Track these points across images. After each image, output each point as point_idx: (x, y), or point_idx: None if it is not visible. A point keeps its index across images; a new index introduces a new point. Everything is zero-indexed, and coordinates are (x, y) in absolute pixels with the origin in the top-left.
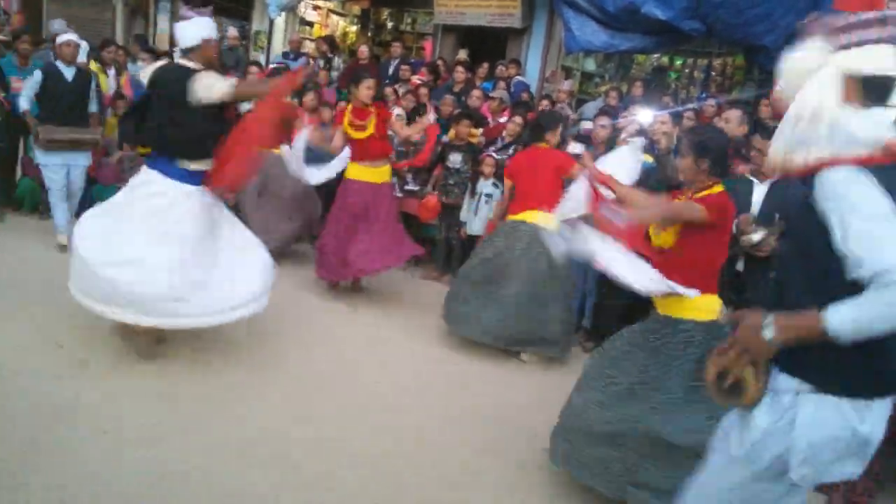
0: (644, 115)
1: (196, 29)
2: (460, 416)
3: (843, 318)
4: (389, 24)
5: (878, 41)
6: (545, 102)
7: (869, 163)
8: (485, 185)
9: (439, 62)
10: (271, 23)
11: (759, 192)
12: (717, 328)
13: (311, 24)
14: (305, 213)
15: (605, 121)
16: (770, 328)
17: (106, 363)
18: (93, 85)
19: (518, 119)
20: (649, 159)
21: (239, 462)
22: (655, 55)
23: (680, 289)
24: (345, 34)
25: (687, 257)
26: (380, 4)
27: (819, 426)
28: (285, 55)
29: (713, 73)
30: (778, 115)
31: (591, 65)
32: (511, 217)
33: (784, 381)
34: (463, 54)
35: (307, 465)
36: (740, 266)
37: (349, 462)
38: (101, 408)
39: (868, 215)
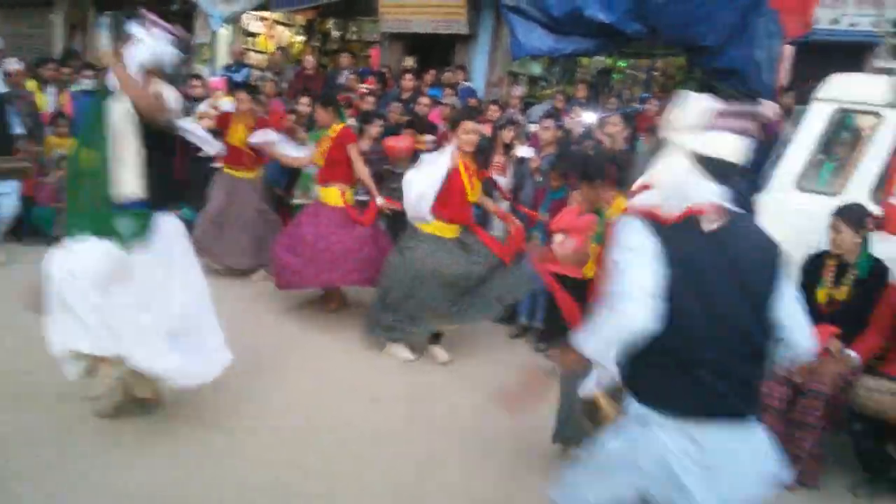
0: (587, 117)
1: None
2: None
3: (587, 337)
4: (335, 34)
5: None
6: (493, 108)
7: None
8: None
9: (385, 70)
10: (214, 35)
11: None
12: None
13: (254, 36)
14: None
15: (549, 123)
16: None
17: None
18: (10, 108)
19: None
20: None
21: None
22: (600, 58)
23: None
24: (290, 45)
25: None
26: (325, 14)
27: (663, 447)
28: (228, 68)
29: (656, 74)
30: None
31: (537, 69)
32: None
33: (633, 407)
34: (410, 61)
35: None
36: None
37: None
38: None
39: (622, 248)
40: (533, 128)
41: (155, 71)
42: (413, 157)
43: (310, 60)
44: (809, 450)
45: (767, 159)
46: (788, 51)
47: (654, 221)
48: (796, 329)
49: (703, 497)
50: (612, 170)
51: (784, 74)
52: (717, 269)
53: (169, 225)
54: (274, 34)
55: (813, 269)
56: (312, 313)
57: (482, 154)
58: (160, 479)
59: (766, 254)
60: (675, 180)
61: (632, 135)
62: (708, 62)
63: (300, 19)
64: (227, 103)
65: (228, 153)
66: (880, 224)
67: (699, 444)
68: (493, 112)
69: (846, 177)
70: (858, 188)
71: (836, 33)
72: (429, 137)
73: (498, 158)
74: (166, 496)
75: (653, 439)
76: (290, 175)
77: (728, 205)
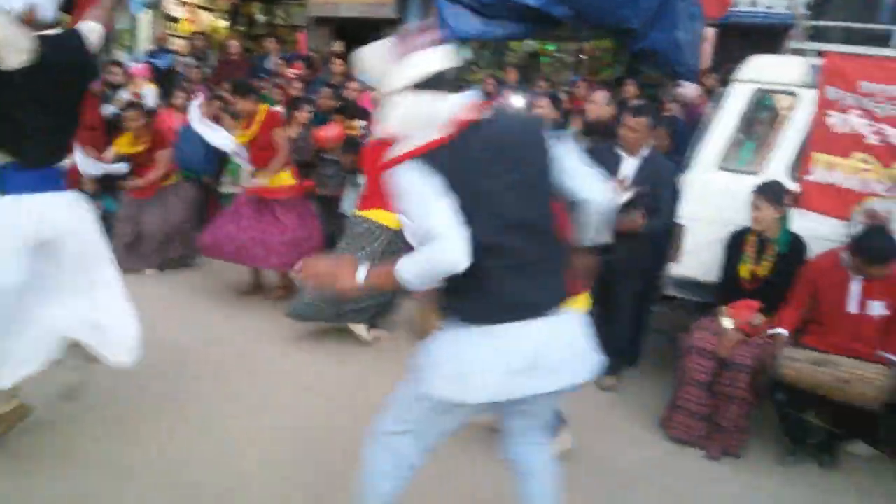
0: (516, 100)
1: None
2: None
3: (408, 268)
4: (261, 18)
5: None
6: None
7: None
8: (363, 177)
9: (314, 55)
10: (135, 20)
11: (629, 164)
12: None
13: (176, 20)
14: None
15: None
16: (363, 270)
17: None
18: None
19: None
20: None
21: None
22: (529, 41)
23: None
24: (214, 29)
25: None
26: None
27: (445, 344)
28: (150, 54)
29: (583, 58)
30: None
31: (466, 53)
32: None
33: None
34: (338, 46)
35: None
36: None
37: None
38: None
39: (413, 196)
40: None
41: (30, 19)
42: (345, 143)
43: (234, 45)
44: (735, 421)
45: (691, 139)
46: (710, 33)
47: (421, 156)
48: (586, 186)
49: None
50: None
51: (706, 56)
52: (493, 171)
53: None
54: (196, 19)
55: (735, 245)
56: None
57: None
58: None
59: (531, 131)
60: (415, 114)
61: (562, 117)
62: (632, 45)
63: (223, 3)
64: (148, 90)
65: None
66: (798, 200)
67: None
68: None
69: (765, 155)
70: (777, 166)
71: (754, 15)
72: (360, 122)
73: None
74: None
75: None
76: (217, 163)
77: (475, 103)
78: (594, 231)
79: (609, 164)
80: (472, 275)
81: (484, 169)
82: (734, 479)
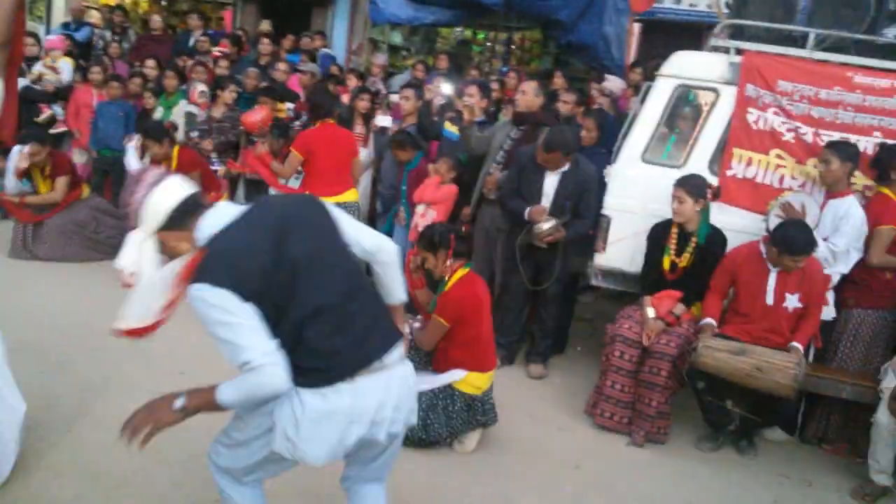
0: (445, 88)
1: None
2: None
3: (227, 395)
4: None
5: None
6: (353, 76)
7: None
8: None
9: (241, 33)
10: None
11: (551, 179)
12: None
13: None
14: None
15: (410, 93)
16: (182, 399)
17: None
18: None
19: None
20: (455, 130)
21: None
22: (459, 29)
23: (446, 377)
24: (135, 3)
25: (454, 350)
26: None
27: (288, 406)
28: (66, 26)
29: (513, 47)
30: None
31: (397, 38)
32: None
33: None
34: (266, 25)
35: None
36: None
37: None
38: None
39: (214, 325)
40: (394, 97)
41: None
42: (273, 126)
43: (156, 20)
44: (658, 408)
45: (618, 133)
46: (636, 28)
47: (203, 273)
48: (370, 241)
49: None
50: (452, 240)
51: (632, 51)
52: (286, 246)
53: None
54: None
55: (658, 237)
56: None
57: (342, 123)
58: None
59: (307, 201)
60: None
61: (492, 106)
62: (561, 37)
63: None
64: (64, 64)
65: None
66: (718, 194)
67: (352, 399)
68: (353, 81)
69: (688, 150)
70: (698, 161)
71: (678, 12)
72: (288, 105)
73: (359, 129)
74: None
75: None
76: None
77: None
78: (392, 284)
79: (532, 177)
80: (299, 347)
81: (274, 248)
82: (657, 465)
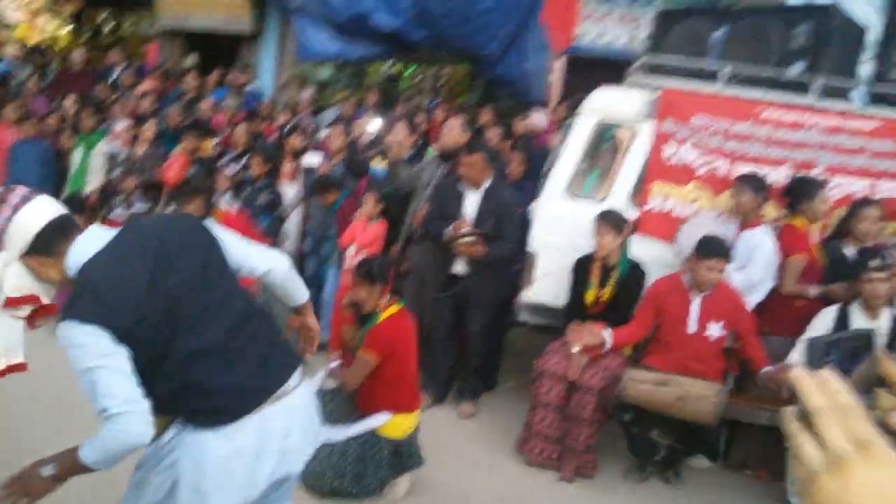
0: (373, 124)
1: None
2: None
3: (88, 454)
4: (108, 27)
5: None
6: (285, 113)
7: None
8: (220, 200)
9: (168, 68)
10: None
11: (473, 198)
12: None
13: (11, 27)
14: None
15: (339, 129)
16: (50, 467)
17: None
18: None
19: (242, 127)
20: (382, 166)
21: None
22: (388, 64)
23: (370, 422)
24: (55, 37)
25: (380, 387)
26: (94, 5)
27: (190, 452)
28: None
29: (441, 82)
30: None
31: (326, 72)
32: None
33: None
34: (191, 60)
35: None
36: (460, 269)
37: None
38: None
39: (79, 369)
40: (323, 134)
41: None
42: (199, 165)
43: (76, 56)
44: (585, 442)
45: (542, 168)
46: (560, 64)
47: (72, 310)
48: (260, 259)
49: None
50: (391, 276)
51: (558, 87)
52: (163, 276)
53: None
54: (36, 25)
55: (581, 271)
56: None
57: (270, 161)
58: None
59: (191, 230)
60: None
61: (421, 140)
62: (487, 71)
63: (68, 8)
64: None
65: None
66: (637, 227)
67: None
68: (283, 117)
69: (608, 184)
70: (619, 195)
71: (599, 50)
72: (214, 141)
73: (287, 166)
74: None
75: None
76: (55, 180)
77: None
78: (293, 293)
79: (453, 199)
80: (189, 388)
81: (145, 280)
82: (586, 498)
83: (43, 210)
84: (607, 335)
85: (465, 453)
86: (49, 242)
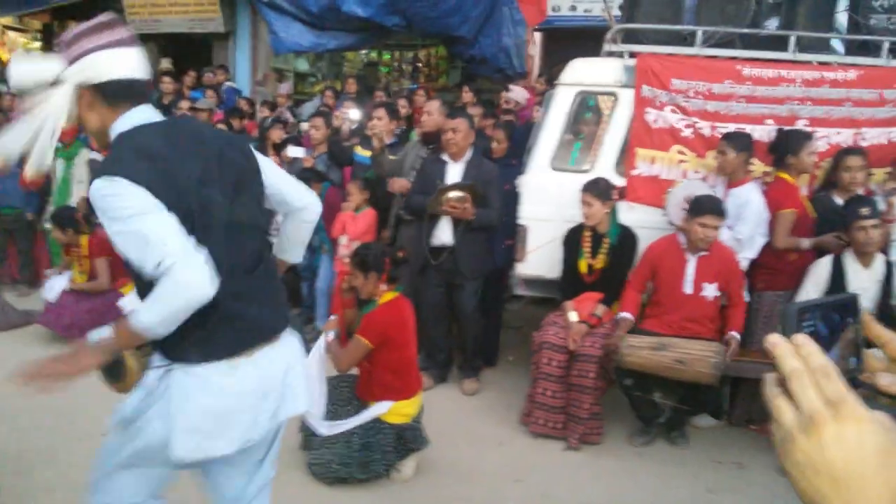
0: (353, 112)
1: None
2: None
3: (145, 317)
4: None
5: (101, 48)
6: (265, 108)
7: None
8: None
9: None
10: None
11: (454, 169)
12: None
13: None
14: None
15: (319, 122)
16: (95, 343)
17: None
18: None
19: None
20: (366, 154)
21: None
22: (365, 51)
23: (372, 412)
24: (27, 52)
25: (379, 374)
26: (61, 17)
27: (192, 392)
28: None
29: (420, 65)
30: None
31: (303, 65)
32: None
33: (157, 360)
34: (166, 63)
35: None
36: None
37: None
38: None
39: (123, 218)
40: (304, 126)
41: None
42: None
43: None
44: (589, 409)
45: (527, 142)
46: (537, 37)
47: (117, 165)
48: (296, 194)
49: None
50: (387, 264)
51: (536, 60)
52: (207, 178)
53: None
54: (6, 41)
55: (572, 241)
56: None
57: None
58: None
59: (229, 138)
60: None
61: (404, 125)
62: (463, 51)
63: (35, 23)
64: None
65: None
66: (624, 194)
67: (243, 376)
68: (264, 112)
69: (593, 154)
70: (605, 163)
71: (574, 19)
72: None
73: (272, 159)
74: None
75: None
76: (38, 197)
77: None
78: (299, 243)
79: (435, 171)
80: (205, 309)
81: (196, 175)
82: (594, 466)
83: (136, 64)
84: (601, 311)
85: (470, 430)
86: (117, 93)
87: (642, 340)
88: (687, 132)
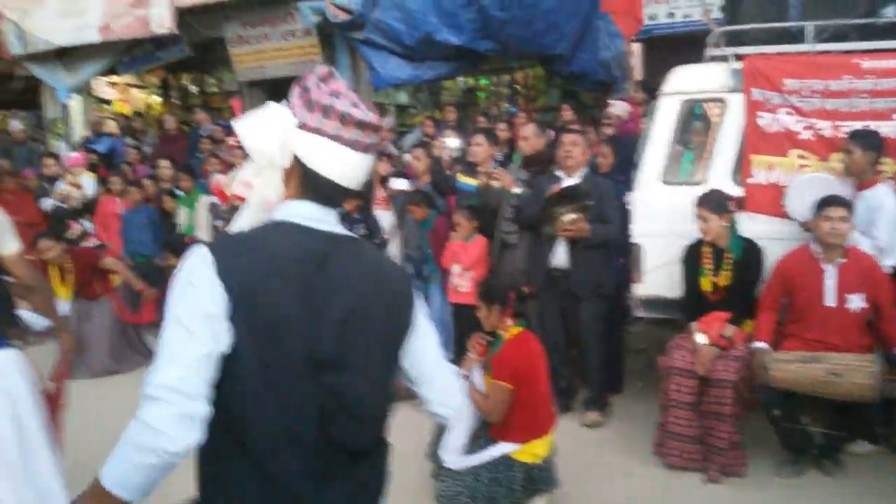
0: (452, 141)
1: None
2: None
3: (107, 471)
4: (193, 89)
5: (337, 139)
6: None
7: None
8: None
9: None
10: (66, 107)
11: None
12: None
13: (108, 102)
14: None
15: (419, 153)
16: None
17: None
18: None
19: None
20: (473, 182)
21: None
22: (462, 78)
23: (499, 449)
24: (149, 106)
25: (511, 412)
26: (177, 71)
27: None
28: (87, 139)
29: (517, 87)
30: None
31: (403, 97)
32: None
33: None
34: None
35: None
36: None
37: None
38: None
39: (174, 302)
40: (407, 157)
41: None
42: None
43: (169, 121)
44: (729, 438)
45: (633, 157)
46: (636, 48)
47: (223, 252)
48: (442, 383)
49: None
50: (511, 298)
51: (635, 71)
52: (304, 323)
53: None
54: (128, 98)
55: (692, 259)
56: None
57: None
58: None
59: (387, 294)
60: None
61: (506, 148)
62: (560, 69)
63: (153, 79)
64: (86, 179)
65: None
66: (742, 205)
67: None
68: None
69: (705, 165)
70: (718, 174)
71: (673, 26)
72: None
73: (380, 192)
74: None
75: None
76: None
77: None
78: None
79: (549, 187)
80: (247, 461)
81: (300, 311)
82: (737, 499)
83: (354, 174)
84: (731, 332)
85: (597, 463)
86: (315, 187)
87: (789, 355)
88: (806, 134)
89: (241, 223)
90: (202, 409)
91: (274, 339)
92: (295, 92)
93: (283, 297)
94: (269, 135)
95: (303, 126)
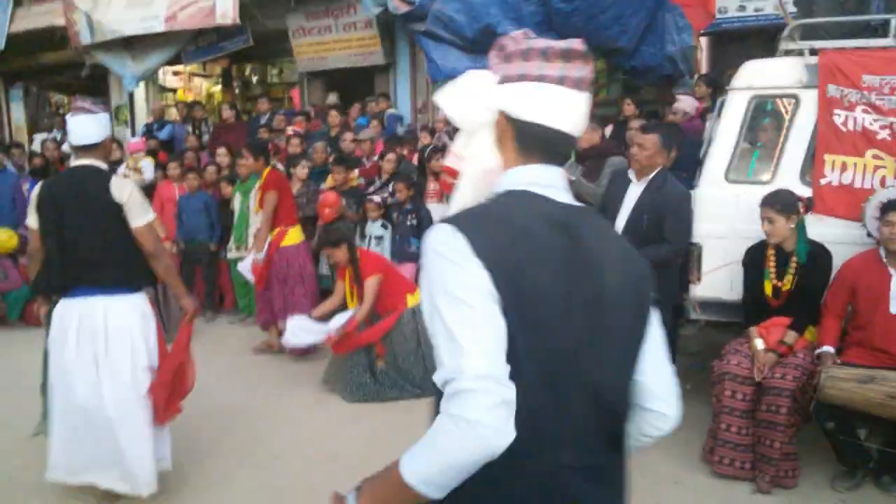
0: None
1: (97, 125)
2: None
3: (412, 466)
4: (255, 79)
5: (540, 79)
6: (426, 134)
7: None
8: (373, 227)
9: (310, 109)
10: (131, 95)
11: (634, 190)
12: None
13: (173, 91)
14: None
15: None
16: (351, 498)
17: None
18: None
19: (391, 156)
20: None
21: None
22: None
23: None
24: (210, 95)
25: None
26: (240, 60)
27: None
28: (149, 126)
29: None
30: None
31: None
32: None
33: None
34: (333, 98)
35: None
36: None
37: None
38: None
39: (435, 293)
40: None
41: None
42: (348, 196)
43: (226, 110)
44: (782, 449)
45: (698, 153)
46: (703, 42)
47: (473, 223)
48: (663, 394)
49: None
50: None
51: (701, 65)
52: (575, 300)
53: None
54: (192, 87)
55: (754, 261)
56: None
57: (413, 184)
58: None
59: (634, 274)
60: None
61: None
62: (624, 62)
63: (217, 69)
64: (146, 163)
65: None
66: (811, 206)
67: None
68: (425, 139)
69: (774, 164)
70: (787, 174)
71: (745, 20)
72: (356, 172)
73: (432, 186)
74: None
75: None
76: (221, 230)
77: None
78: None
79: (618, 189)
80: (512, 459)
81: (563, 290)
82: None
83: (572, 114)
84: (791, 339)
85: (644, 468)
86: (533, 141)
87: (846, 373)
88: (883, 134)
89: (462, 199)
90: (514, 393)
91: (539, 322)
92: (492, 55)
93: (548, 276)
94: (471, 99)
95: (505, 80)
